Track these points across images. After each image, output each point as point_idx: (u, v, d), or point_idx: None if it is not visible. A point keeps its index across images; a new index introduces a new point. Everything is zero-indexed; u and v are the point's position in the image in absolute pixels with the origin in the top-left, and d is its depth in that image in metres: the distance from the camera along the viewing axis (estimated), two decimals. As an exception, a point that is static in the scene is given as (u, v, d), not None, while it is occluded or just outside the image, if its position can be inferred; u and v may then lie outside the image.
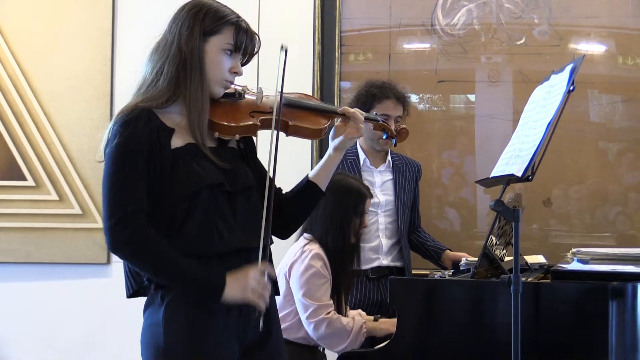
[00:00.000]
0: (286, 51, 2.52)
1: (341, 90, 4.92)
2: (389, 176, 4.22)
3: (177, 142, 2.46)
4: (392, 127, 3.15)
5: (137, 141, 2.40)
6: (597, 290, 2.93)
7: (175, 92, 2.48)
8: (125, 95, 5.05)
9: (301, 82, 4.80)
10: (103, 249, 5.04)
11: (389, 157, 4.27)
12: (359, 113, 2.73)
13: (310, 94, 2.93)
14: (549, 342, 2.97)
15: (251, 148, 2.70)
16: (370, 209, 4.01)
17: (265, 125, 2.59)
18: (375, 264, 4.12)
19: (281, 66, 2.50)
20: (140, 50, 5.04)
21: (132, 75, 5.08)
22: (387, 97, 4.11)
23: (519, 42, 4.91)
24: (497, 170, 2.97)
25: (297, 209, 2.73)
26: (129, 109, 2.46)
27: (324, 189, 2.70)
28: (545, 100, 2.86)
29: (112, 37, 5.09)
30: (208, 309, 2.43)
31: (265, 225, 2.46)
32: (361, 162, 4.19)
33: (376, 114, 3.50)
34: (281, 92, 2.52)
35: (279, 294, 2.66)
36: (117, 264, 5.04)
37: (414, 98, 5.03)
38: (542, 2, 4.89)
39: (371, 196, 3.78)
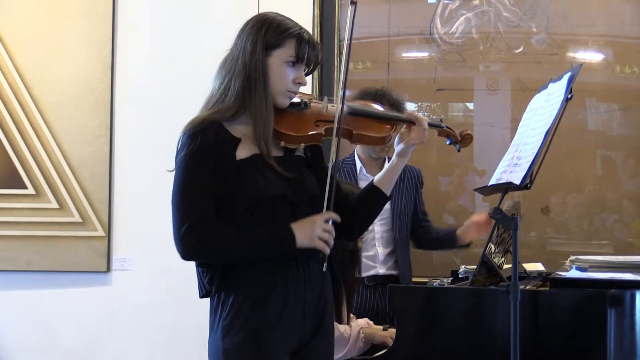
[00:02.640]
0: (355, 5, 2.61)
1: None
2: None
3: (242, 153, 2.54)
4: (456, 133, 3.13)
5: (204, 152, 2.49)
6: (596, 298, 2.93)
7: (242, 106, 2.56)
8: (125, 104, 5.13)
9: (301, 90, 4.80)
10: (103, 257, 5.05)
11: (387, 165, 4.22)
12: (422, 119, 2.80)
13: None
14: (548, 349, 2.96)
15: (318, 156, 2.77)
16: None
17: (330, 133, 2.65)
18: (372, 272, 4.10)
19: (349, 24, 2.60)
20: (140, 58, 5.11)
21: (132, 84, 5.14)
22: (381, 105, 4.07)
23: (517, 51, 4.93)
24: (496, 178, 2.97)
25: (362, 213, 2.81)
26: (197, 121, 2.54)
27: (388, 193, 2.78)
28: (543, 108, 2.86)
29: (112, 46, 5.10)
30: (263, 314, 2.52)
31: (330, 184, 2.56)
32: (357, 170, 4.17)
33: None
34: (342, 101, 2.61)
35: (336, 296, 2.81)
36: (117, 272, 5.06)
37: (412, 106, 5.04)
38: (540, 11, 4.91)
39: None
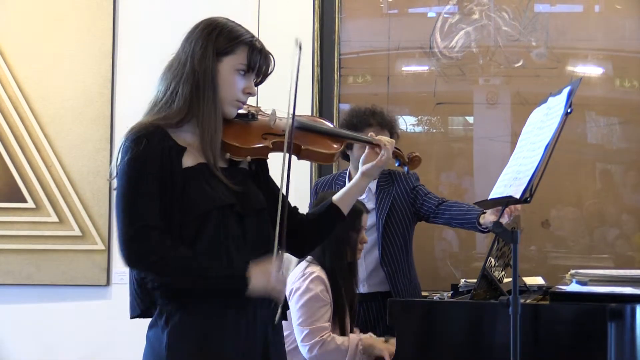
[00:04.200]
0: (300, 47, 2.53)
1: (340, 112, 4.93)
2: (371, 204, 4.09)
3: (188, 161, 2.44)
4: (404, 154, 3.11)
5: (148, 158, 2.37)
6: (596, 312, 2.93)
7: (188, 113, 2.45)
8: (125, 118, 5.13)
9: (300, 104, 4.80)
10: (103, 271, 5.05)
11: (375, 183, 4.14)
12: (386, 140, 2.74)
13: (319, 117, 2.93)
14: (548, 363, 2.98)
15: (263, 169, 2.67)
16: None
17: (277, 147, 2.57)
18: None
19: (295, 70, 2.51)
20: (140, 72, 5.12)
21: (132, 98, 5.15)
22: (369, 124, 3.99)
23: (516, 65, 4.94)
24: (496, 192, 2.97)
25: (316, 231, 2.73)
26: (140, 126, 2.43)
27: (346, 213, 2.69)
28: (543, 122, 2.86)
29: (112, 59, 5.11)
30: (213, 333, 2.41)
31: (280, 225, 2.44)
32: None
33: None
34: (293, 107, 2.53)
35: (286, 319, 2.64)
36: (117, 286, 5.05)
37: (412, 120, 5.05)
38: (540, 25, 4.92)
39: (367, 211, 3.76)
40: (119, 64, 5.14)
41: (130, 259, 2.37)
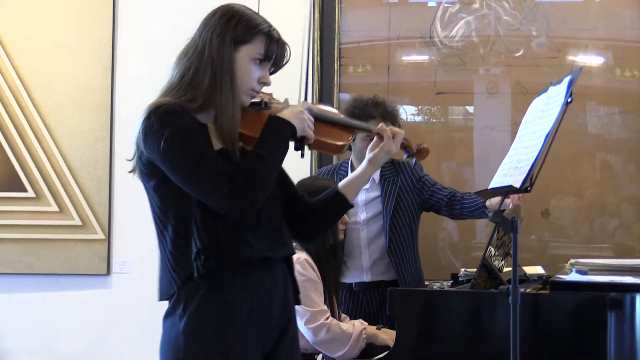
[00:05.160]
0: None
1: (340, 102, 4.93)
2: (375, 193, 4.12)
3: (214, 143, 2.43)
4: (413, 146, 3.09)
5: (188, 123, 2.35)
6: (596, 301, 2.94)
7: (206, 101, 2.44)
8: (125, 107, 5.13)
9: (301, 94, 4.82)
10: (103, 260, 5.06)
11: (378, 172, 4.14)
12: (385, 129, 2.73)
13: (334, 106, 2.90)
14: (548, 352, 2.98)
15: None
16: (353, 225, 4.02)
17: None
18: (358, 279, 4.10)
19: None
20: (140, 61, 5.12)
21: (132, 87, 5.15)
22: (372, 116, 3.97)
23: (517, 54, 4.94)
24: (496, 182, 2.97)
25: (322, 218, 2.74)
26: (167, 103, 2.41)
27: (351, 201, 2.70)
28: (544, 111, 2.86)
29: (112, 49, 5.12)
30: (230, 318, 2.41)
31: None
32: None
33: None
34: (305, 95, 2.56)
35: (299, 303, 2.68)
36: (117, 275, 5.07)
37: (412, 110, 5.05)
38: (540, 15, 4.92)
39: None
40: (119, 53, 5.14)
41: (242, 209, 2.35)
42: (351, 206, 2.71)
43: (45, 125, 5.08)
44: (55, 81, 5.10)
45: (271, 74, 2.58)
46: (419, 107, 5.06)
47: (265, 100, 2.59)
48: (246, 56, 2.48)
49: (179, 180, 2.37)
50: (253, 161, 2.36)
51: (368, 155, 2.74)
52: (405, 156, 3.08)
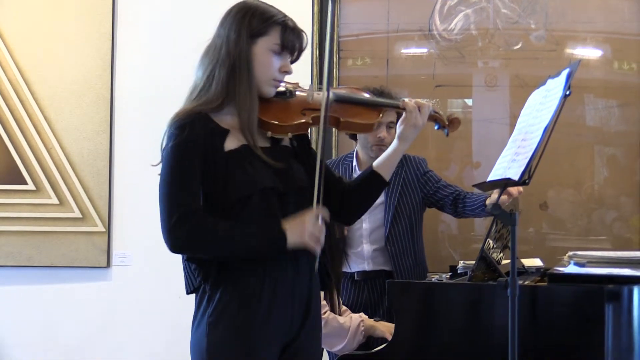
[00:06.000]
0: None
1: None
2: None
3: (231, 144, 2.51)
4: (444, 118, 3.06)
5: (192, 143, 2.45)
6: (594, 293, 2.95)
7: (227, 96, 2.52)
8: (125, 100, 5.14)
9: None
10: (103, 252, 5.07)
11: (388, 149, 4.15)
12: (410, 104, 2.75)
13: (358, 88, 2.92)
14: (546, 344, 2.99)
15: (306, 145, 2.73)
16: None
17: (317, 122, 2.62)
18: (359, 268, 4.11)
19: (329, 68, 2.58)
20: (139, 55, 5.12)
21: (132, 80, 5.16)
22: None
23: (515, 47, 4.94)
24: (494, 174, 2.98)
25: (360, 198, 2.78)
26: (184, 112, 2.51)
27: (387, 178, 2.74)
28: (542, 104, 2.87)
29: (112, 42, 5.12)
30: (251, 312, 2.48)
31: (319, 171, 2.52)
32: (353, 169, 4.16)
33: None
34: (327, 88, 2.58)
35: (326, 288, 2.75)
36: (117, 268, 5.08)
37: (411, 102, 5.06)
38: (539, 8, 4.92)
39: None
40: (119, 47, 5.14)
41: (175, 245, 2.45)
42: (388, 184, 2.76)
43: (46, 118, 5.09)
44: (55, 74, 5.10)
45: (292, 62, 2.64)
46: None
47: (290, 89, 2.67)
48: (264, 48, 2.55)
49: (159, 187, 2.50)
50: (210, 227, 2.44)
51: (398, 131, 2.77)
52: (436, 128, 3.05)
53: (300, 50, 2.63)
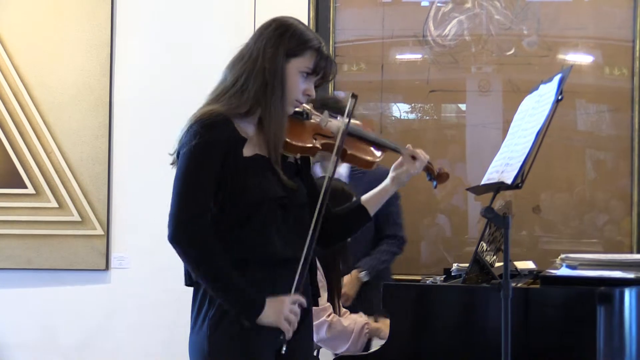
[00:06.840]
0: (356, 99, 2.63)
1: (334, 100, 4.95)
2: None
3: (247, 151, 2.53)
4: (435, 170, 3.12)
5: (214, 145, 2.48)
6: (585, 295, 2.96)
7: (255, 106, 2.54)
8: (124, 105, 5.16)
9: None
10: (102, 255, 5.09)
11: (348, 170, 4.19)
12: (412, 152, 2.80)
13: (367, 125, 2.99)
14: (539, 346, 2.99)
15: (307, 166, 2.78)
16: None
17: (326, 148, 2.66)
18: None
19: (349, 111, 2.61)
20: (138, 60, 5.15)
21: (131, 85, 5.18)
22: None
23: (508, 53, 4.97)
24: (488, 178, 2.99)
25: (343, 228, 2.84)
26: (210, 112, 2.52)
27: (372, 214, 2.79)
28: (535, 109, 2.89)
29: (110, 47, 5.13)
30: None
31: (306, 253, 2.55)
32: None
33: None
34: (343, 133, 2.62)
35: (317, 305, 2.78)
36: (116, 270, 5.10)
37: (405, 107, 5.10)
38: (531, 14, 4.95)
39: (356, 197, 3.80)
40: (118, 52, 5.15)
41: (175, 238, 2.47)
42: (371, 219, 2.80)
43: (45, 122, 5.10)
44: (54, 79, 5.11)
45: (316, 87, 2.67)
46: (412, 104, 5.09)
47: (307, 110, 2.70)
48: (295, 68, 2.57)
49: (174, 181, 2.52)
50: (209, 247, 2.47)
51: (391, 173, 2.81)
52: (427, 179, 3.09)
53: (328, 79, 2.68)
